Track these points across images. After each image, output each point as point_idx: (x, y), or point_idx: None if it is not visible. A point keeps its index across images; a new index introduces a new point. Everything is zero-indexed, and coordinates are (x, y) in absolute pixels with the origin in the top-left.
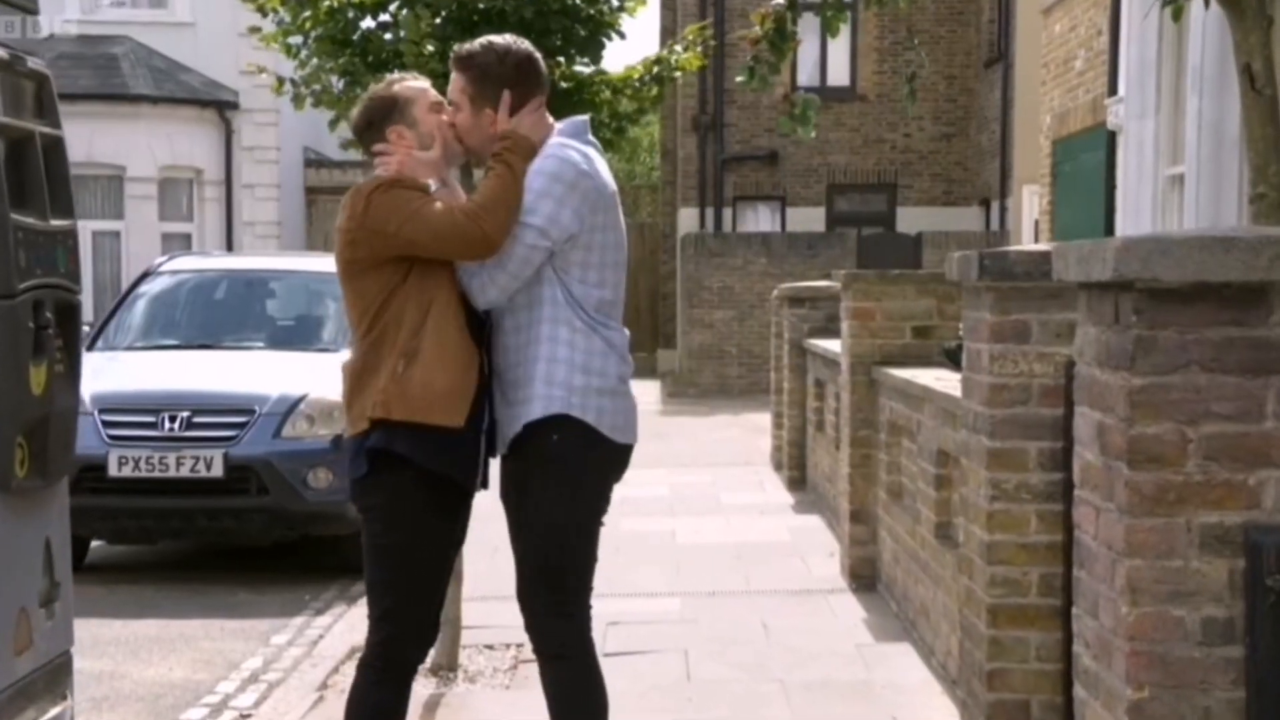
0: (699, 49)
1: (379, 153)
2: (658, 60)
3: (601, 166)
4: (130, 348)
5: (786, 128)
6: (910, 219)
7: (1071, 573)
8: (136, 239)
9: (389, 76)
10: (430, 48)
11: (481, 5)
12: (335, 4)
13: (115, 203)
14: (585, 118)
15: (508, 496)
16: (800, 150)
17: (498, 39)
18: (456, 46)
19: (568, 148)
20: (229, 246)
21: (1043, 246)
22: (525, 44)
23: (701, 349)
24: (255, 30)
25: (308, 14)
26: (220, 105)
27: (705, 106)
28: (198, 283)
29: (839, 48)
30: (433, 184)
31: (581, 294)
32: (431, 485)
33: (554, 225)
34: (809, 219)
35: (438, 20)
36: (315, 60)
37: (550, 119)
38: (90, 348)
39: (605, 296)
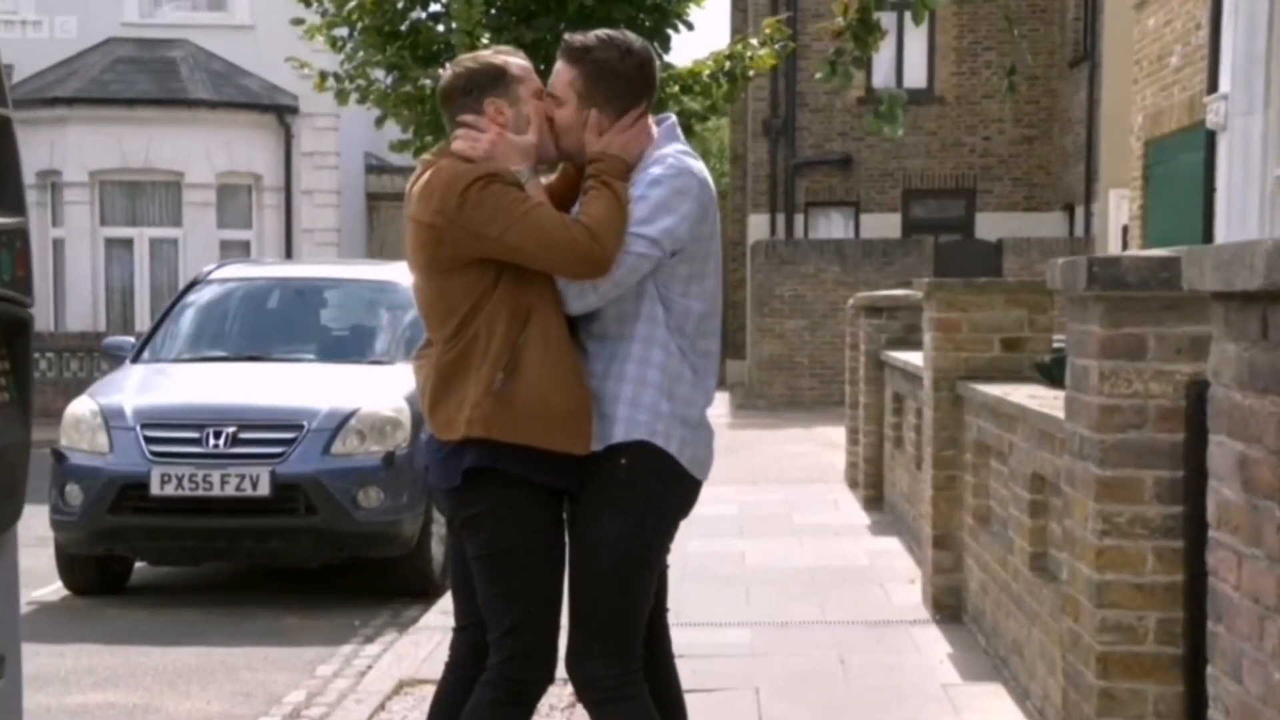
0: (776, 46)
1: (468, 124)
2: (730, 55)
3: (707, 173)
4: (177, 359)
5: (874, 127)
6: (990, 225)
7: (1194, 618)
8: (195, 246)
9: (492, 49)
10: (485, 39)
11: None
12: None
13: (173, 210)
14: (673, 118)
15: (571, 521)
16: (875, 154)
17: (616, 34)
18: (569, 36)
19: (685, 155)
20: (288, 254)
21: (1163, 251)
22: (645, 45)
23: (772, 360)
24: (299, 22)
25: (354, 3)
26: (280, 110)
27: (776, 109)
28: (247, 292)
29: (916, 48)
30: (522, 173)
31: (682, 310)
32: (536, 491)
33: (668, 237)
34: (884, 225)
35: (492, 10)
36: (361, 53)
37: (652, 125)
38: (136, 359)
39: (705, 309)
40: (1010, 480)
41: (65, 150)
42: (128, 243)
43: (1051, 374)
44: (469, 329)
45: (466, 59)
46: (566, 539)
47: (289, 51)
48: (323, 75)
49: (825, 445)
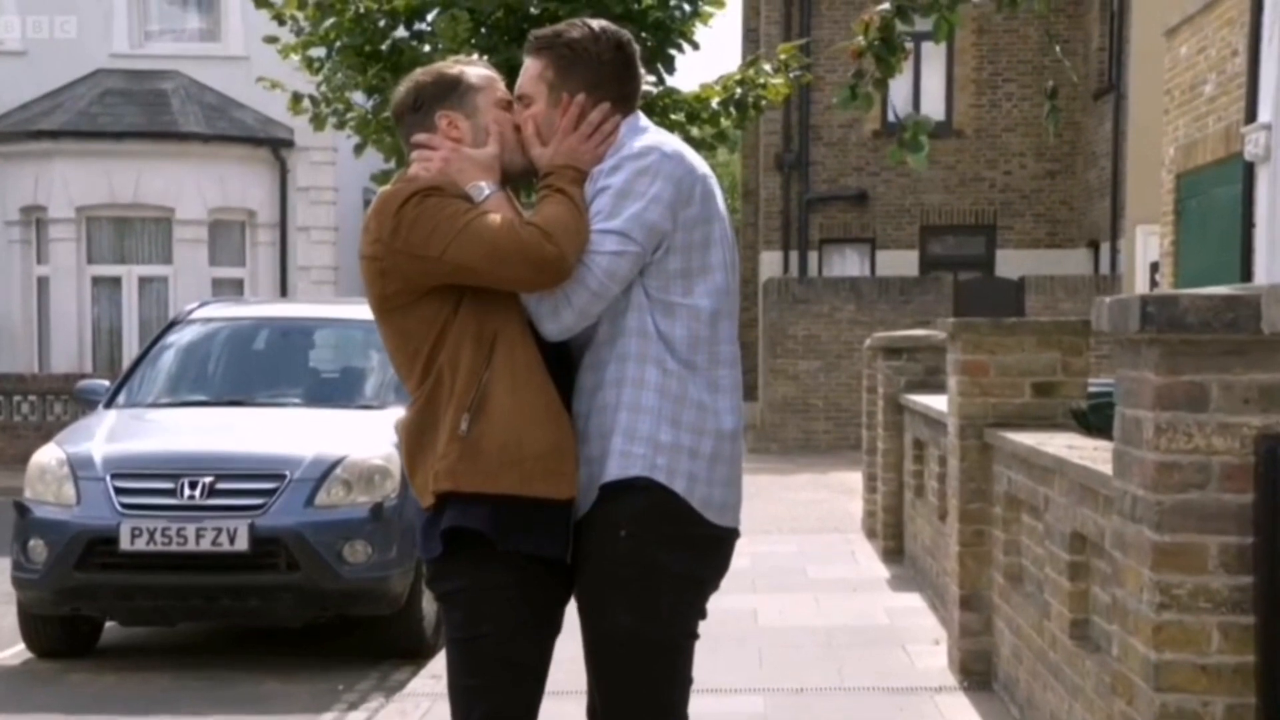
0: (791, 74)
1: (419, 144)
2: (741, 80)
3: (687, 150)
4: (155, 404)
5: (896, 157)
6: (1011, 262)
7: (1268, 705)
8: (185, 285)
9: (451, 59)
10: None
11: (534, 10)
12: (362, 9)
13: (163, 246)
14: (638, 112)
15: (578, 604)
16: (891, 189)
17: (589, 20)
18: (534, 31)
19: (652, 136)
20: (283, 293)
21: (1228, 289)
22: (623, 31)
23: (785, 402)
24: (272, 40)
25: (331, 21)
26: (275, 144)
27: (789, 143)
28: (230, 332)
29: (934, 80)
30: (484, 188)
31: (688, 313)
32: (522, 563)
33: (639, 226)
34: (901, 263)
35: (482, 30)
36: (339, 75)
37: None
38: (110, 404)
39: (715, 306)
40: (1046, 538)
41: (51, 185)
42: (115, 281)
43: (1089, 422)
44: (434, 369)
45: (418, 72)
46: (554, 618)
47: (286, 85)
48: (296, 97)
49: (841, 492)
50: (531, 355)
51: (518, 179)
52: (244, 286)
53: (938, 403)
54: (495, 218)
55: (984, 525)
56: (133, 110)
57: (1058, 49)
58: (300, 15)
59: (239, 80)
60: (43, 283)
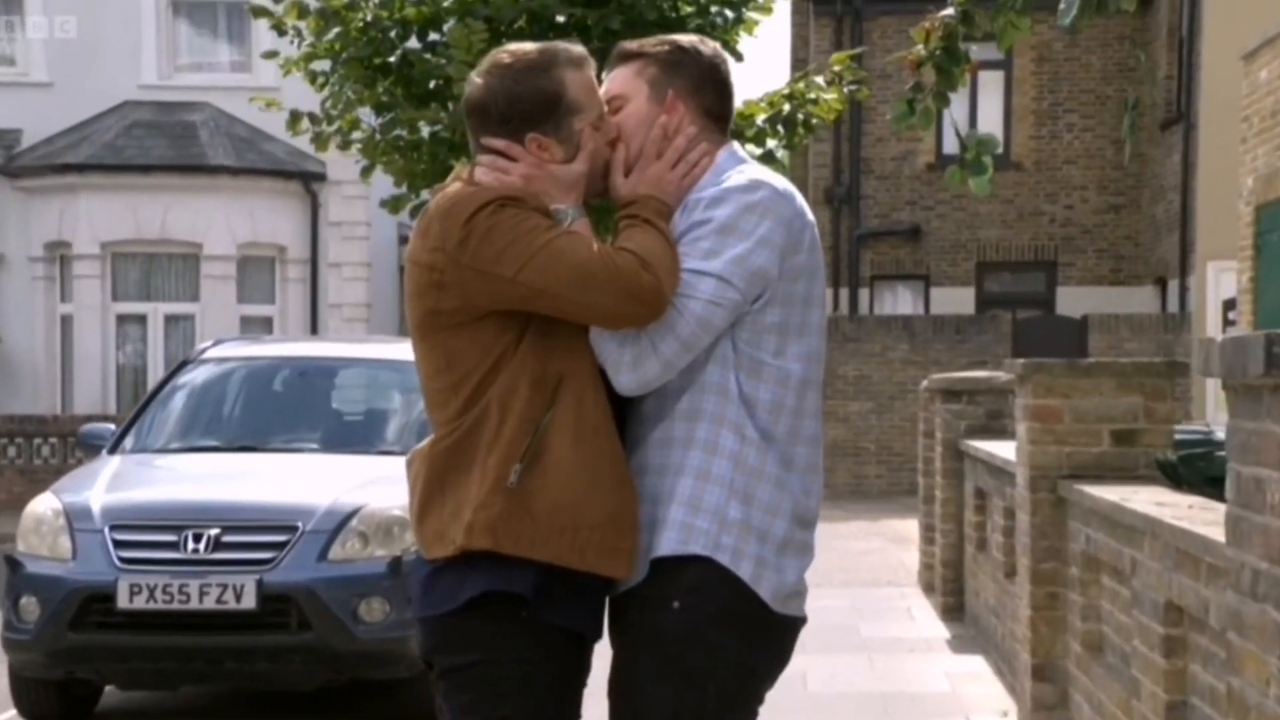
0: (845, 88)
1: (496, 150)
2: (790, 95)
3: (797, 191)
4: (163, 450)
5: (955, 181)
6: (1072, 300)
7: None
8: (213, 323)
9: (551, 46)
10: None
11: (560, 19)
12: (370, 18)
13: (190, 283)
14: (734, 142)
15: (611, 682)
16: (946, 224)
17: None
18: (621, 44)
19: (750, 172)
20: (313, 330)
21: None
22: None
23: (835, 445)
24: (272, 55)
25: (336, 32)
26: (306, 177)
27: (839, 176)
28: (246, 373)
29: (991, 110)
30: (568, 212)
31: (777, 376)
32: (550, 637)
33: (744, 271)
34: (956, 300)
35: (502, 39)
36: (346, 91)
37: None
38: (114, 449)
39: (805, 374)
40: (1134, 606)
41: (75, 220)
42: (141, 319)
43: (1179, 475)
44: (479, 403)
45: (506, 62)
46: (578, 697)
47: (283, 102)
48: (295, 115)
49: (895, 541)
50: (601, 408)
51: (591, 200)
52: (273, 324)
53: (1002, 450)
54: (582, 240)
55: (1059, 587)
56: (161, 143)
57: (1141, 56)
58: (302, 25)
59: (269, 112)
60: (66, 321)
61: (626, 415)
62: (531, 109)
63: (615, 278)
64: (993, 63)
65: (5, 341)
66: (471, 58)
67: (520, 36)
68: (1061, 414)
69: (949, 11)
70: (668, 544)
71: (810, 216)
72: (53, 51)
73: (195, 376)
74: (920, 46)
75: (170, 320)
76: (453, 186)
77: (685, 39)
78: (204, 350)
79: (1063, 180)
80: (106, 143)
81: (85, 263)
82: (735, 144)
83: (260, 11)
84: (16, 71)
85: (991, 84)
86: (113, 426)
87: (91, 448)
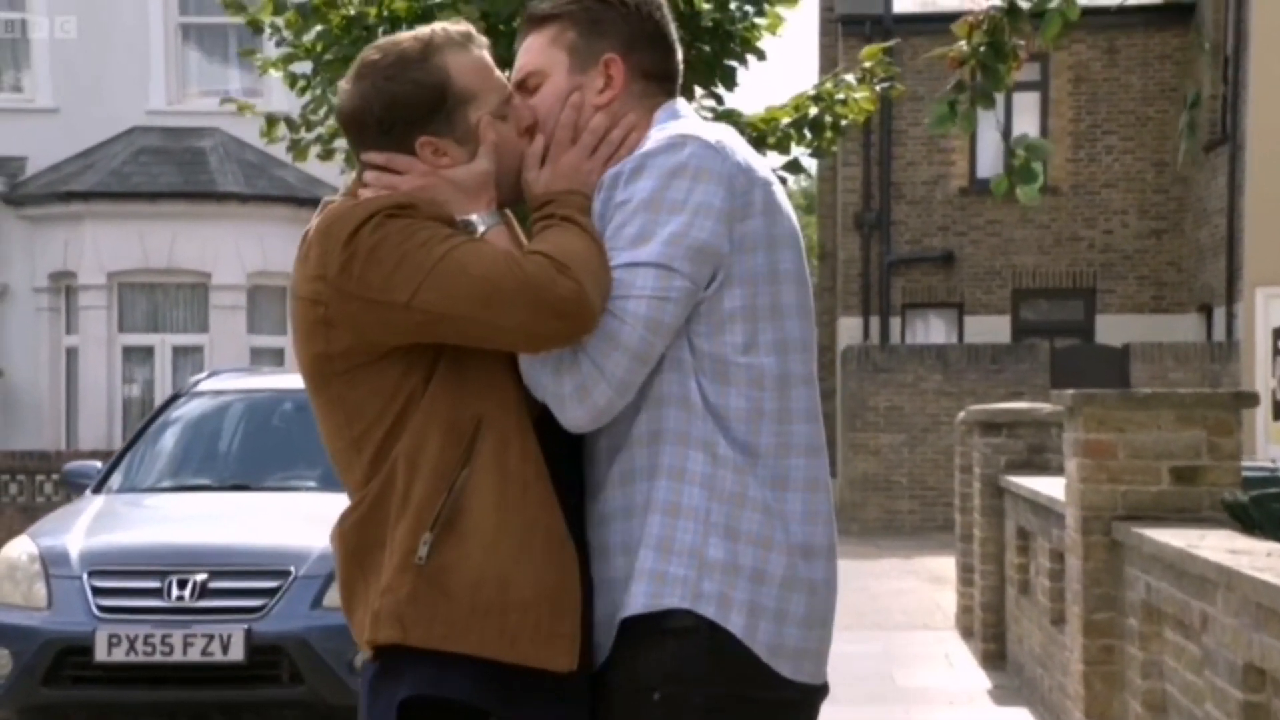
0: (876, 86)
1: (377, 166)
2: (818, 96)
3: (739, 142)
4: (152, 489)
5: (1002, 189)
6: (1112, 328)
7: None
8: (222, 354)
9: (426, 29)
10: None
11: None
12: (353, 13)
13: (199, 314)
14: (678, 100)
15: None
16: (980, 250)
17: None
18: (530, 6)
19: (673, 128)
20: None
21: None
22: None
23: (866, 479)
24: (249, 54)
25: (318, 30)
26: (318, 204)
27: (869, 201)
28: (243, 406)
29: (1026, 132)
30: (478, 221)
31: (747, 376)
32: None
33: (683, 251)
34: (991, 329)
35: (501, 30)
36: (328, 94)
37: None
38: (99, 488)
39: (783, 369)
40: (1206, 666)
41: (81, 250)
42: (148, 351)
43: (1251, 517)
44: (385, 463)
45: (375, 59)
46: None
47: (256, 106)
48: (270, 120)
49: (930, 580)
50: (530, 459)
51: (515, 201)
52: (284, 356)
53: (1047, 487)
54: (485, 246)
55: (1115, 639)
56: (169, 170)
57: (1205, 45)
58: (280, 22)
59: (244, 118)
60: (71, 353)
61: (582, 452)
62: (413, 109)
63: (524, 288)
64: (1028, 84)
65: (8, 375)
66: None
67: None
68: (1115, 449)
69: (995, 2)
70: (637, 600)
71: (762, 172)
72: (59, 77)
73: (188, 410)
74: (962, 42)
75: (179, 352)
76: (335, 204)
77: None
78: (198, 382)
79: (1102, 204)
80: (113, 170)
81: (91, 293)
82: (679, 101)
83: (234, 7)
84: (23, 98)
85: (1027, 105)
86: (99, 464)
87: (76, 486)
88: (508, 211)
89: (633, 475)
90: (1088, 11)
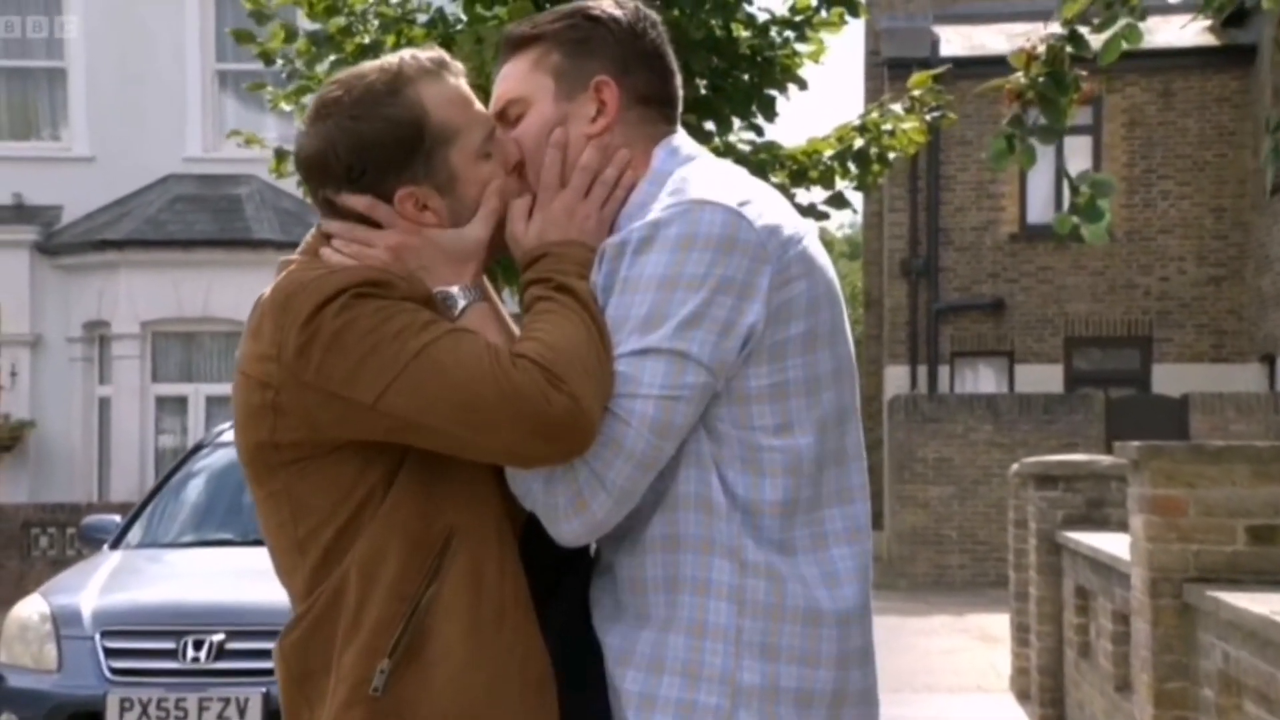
0: (927, 115)
1: (351, 213)
2: (863, 127)
3: (766, 190)
4: (173, 544)
5: (1065, 227)
6: (1170, 378)
7: None
8: None
9: (394, 57)
10: None
11: None
12: (369, 41)
13: (233, 363)
14: (680, 134)
15: None
16: (1031, 298)
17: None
18: (509, 27)
19: (686, 163)
20: None
21: None
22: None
23: (914, 532)
24: (259, 87)
25: (331, 60)
26: None
27: (916, 248)
28: None
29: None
30: (459, 295)
31: (780, 462)
32: None
33: (705, 339)
34: (1043, 378)
35: None
36: None
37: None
38: (117, 544)
39: (821, 448)
40: None
41: (115, 299)
42: (181, 401)
43: None
44: (331, 574)
45: (336, 95)
46: None
47: (266, 140)
48: (279, 155)
49: (982, 639)
50: (511, 577)
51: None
52: None
53: (1108, 544)
54: (467, 343)
55: (1187, 711)
56: (204, 217)
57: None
58: (292, 51)
59: (251, 150)
60: (104, 403)
61: (580, 557)
62: (386, 151)
63: (510, 404)
64: (1081, 127)
65: (40, 426)
66: (483, 79)
67: None
68: (1186, 506)
69: (1054, 30)
70: None
71: (793, 227)
72: (95, 124)
73: (211, 462)
74: (1020, 74)
75: (213, 402)
76: (296, 269)
77: (593, 3)
78: (221, 433)
79: (1158, 251)
80: (148, 218)
81: (124, 343)
82: (678, 135)
83: (244, 37)
84: (59, 146)
85: (1079, 149)
86: (117, 518)
87: (93, 541)
88: (486, 281)
89: (644, 585)
90: (1142, 55)
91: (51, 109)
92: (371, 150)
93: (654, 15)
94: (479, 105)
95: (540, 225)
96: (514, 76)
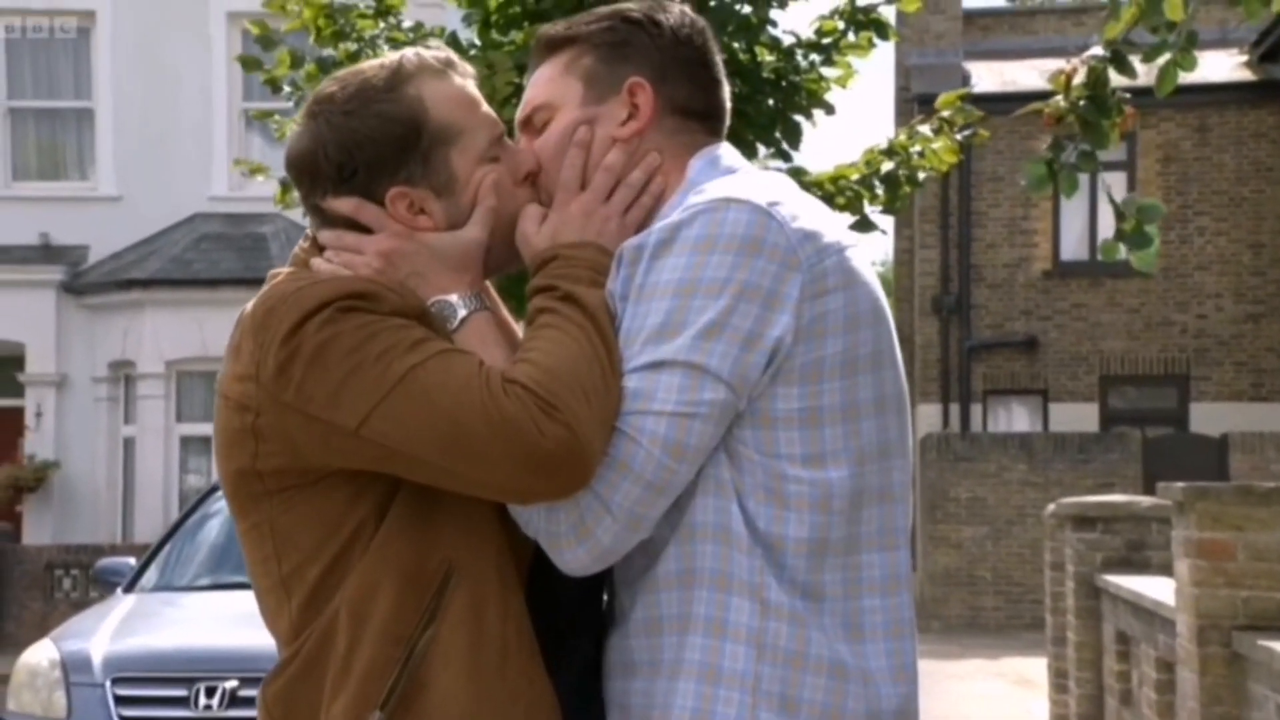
0: (958, 135)
1: (338, 216)
2: (891, 150)
3: (807, 203)
4: (189, 587)
5: (1111, 255)
6: (1208, 417)
7: None
8: None
9: (396, 55)
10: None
11: None
12: None
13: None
14: (723, 145)
15: None
16: (1065, 335)
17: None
18: (544, 28)
19: (725, 175)
20: None
21: None
22: (690, 14)
23: (947, 574)
24: (265, 116)
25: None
26: None
27: (947, 285)
28: None
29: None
30: (457, 304)
31: (810, 495)
32: None
33: (726, 350)
34: (1077, 417)
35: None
36: None
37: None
38: (131, 587)
39: (860, 483)
40: None
41: (140, 338)
42: (205, 441)
43: None
44: (319, 615)
45: (331, 91)
46: None
47: (270, 169)
48: (285, 185)
49: (1018, 684)
50: (514, 617)
51: (508, 270)
52: None
53: (1150, 588)
54: (458, 364)
55: None
56: (229, 256)
57: None
58: (299, 77)
59: (256, 181)
60: (129, 444)
61: (602, 581)
62: (380, 149)
63: (499, 435)
64: (1115, 163)
65: (65, 466)
66: (494, 107)
67: None
68: (1234, 550)
69: (1095, 51)
70: None
71: (833, 234)
72: (122, 164)
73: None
74: (1060, 97)
75: None
76: (282, 279)
77: (634, 5)
78: None
79: (1194, 288)
80: (174, 257)
81: (149, 382)
82: (722, 146)
83: (251, 64)
84: (86, 186)
85: (1114, 185)
86: (132, 561)
87: (107, 585)
88: (490, 287)
89: (658, 625)
90: (1177, 89)
91: (79, 149)
92: (364, 148)
93: (702, 22)
94: (487, 109)
95: (554, 226)
96: (543, 81)
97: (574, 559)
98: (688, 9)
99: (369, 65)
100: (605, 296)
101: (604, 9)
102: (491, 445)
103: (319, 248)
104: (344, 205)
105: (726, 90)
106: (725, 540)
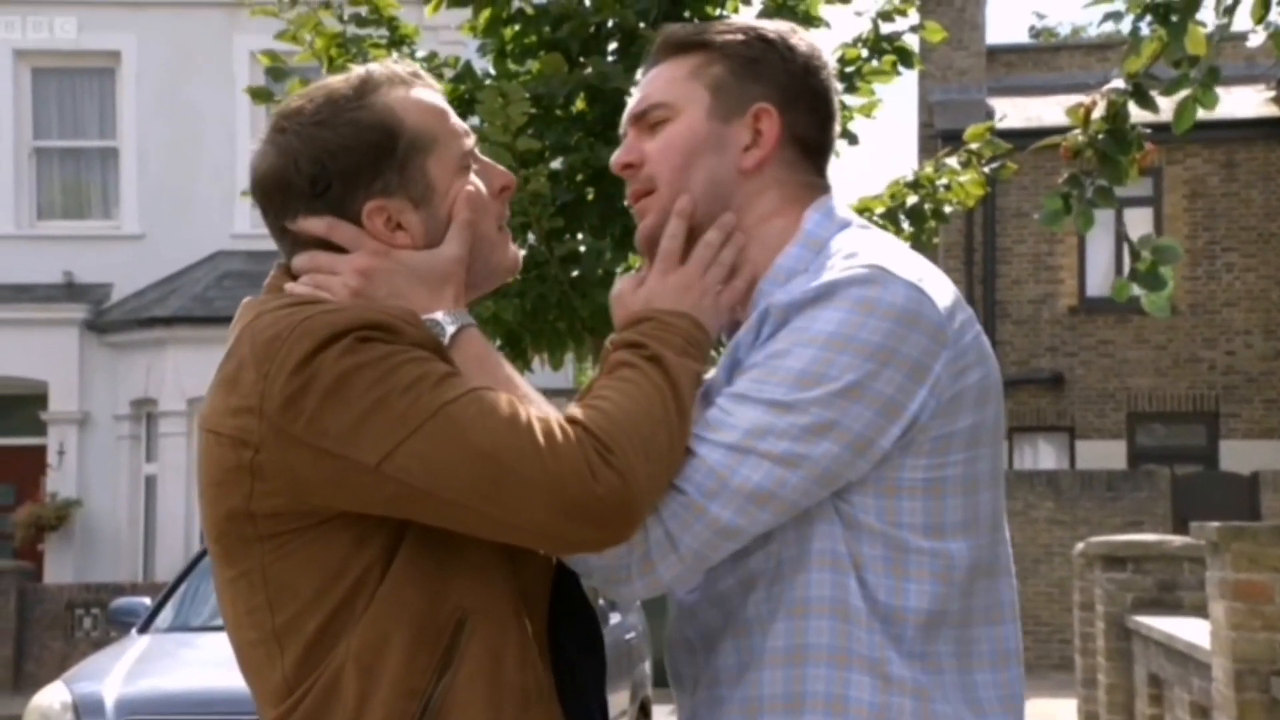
0: (985, 168)
1: (308, 237)
2: (916, 183)
3: (940, 278)
4: (204, 627)
5: (1123, 294)
6: (1238, 455)
7: None
8: None
9: (361, 69)
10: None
11: (615, 84)
12: None
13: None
14: (830, 194)
15: None
16: (1092, 372)
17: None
18: (670, 28)
19: (856, 247)
20: None
21: None
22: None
23: None
24: None
25: None
26: None
27: None
28: None
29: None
30: (445, 321)
31: (934, 566)
32: None
33: (861, 408)
34: (1105, 454)
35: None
36: None
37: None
38: (145, 627)
39: (977, 557)
40: None
41: (162, 376)
42: None
43: None
44: (320, 669)
45: (297, 105)
46: None
47: None
48: None
49: None
50: (530, 664)
51: (489, 289)
52: None
53: (1184, 629)
54: (496, 402)
55: None
56: (251, 293)
57: None
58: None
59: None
60: (150, 482)
61: (676, 634)
62: (354, 158)
63: (545, 476)
64: (1141, 199)
65: (86, 504)
66: (507, 136)
67: (579, 119)
68: (1272, 592)
69: (1116, 84)
70: None
71: (967, 310)
72: (146, 203)
73: None
74: (1078, 131)
75: None
76: (273, 311)
77: (770, 25)
78: None
79: (1223, 324)
80: (196, 295)
81: (171, 420)
82: (832, 197)
83: (260, 96)
84: (110, 224)
85: (1140, 221)
86: (147, 601)
87: (122, 625)
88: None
89: (759, 705)
90: (1203, 125)
91: (103, 188)
92: (338, 157)
93: (826, 57)
94: (457, 120)
95: (653, 289)
96: (665, 79)
97: (629, 592)
98: (813, 41)
99: (334, 79)
100: (693, 370)
101: (739, 21)
102: (535, 487)
103: (292, 276)
104: (316, 225)
105: (837, 129)
106: (843, 615)
